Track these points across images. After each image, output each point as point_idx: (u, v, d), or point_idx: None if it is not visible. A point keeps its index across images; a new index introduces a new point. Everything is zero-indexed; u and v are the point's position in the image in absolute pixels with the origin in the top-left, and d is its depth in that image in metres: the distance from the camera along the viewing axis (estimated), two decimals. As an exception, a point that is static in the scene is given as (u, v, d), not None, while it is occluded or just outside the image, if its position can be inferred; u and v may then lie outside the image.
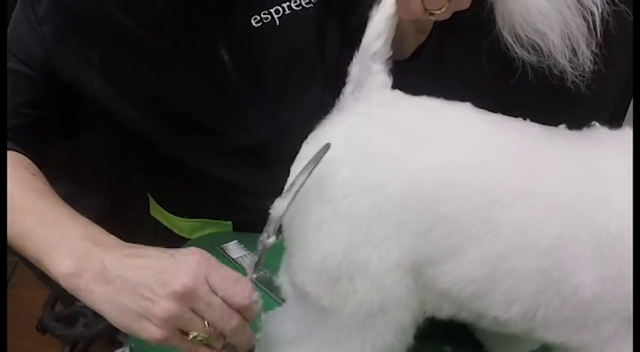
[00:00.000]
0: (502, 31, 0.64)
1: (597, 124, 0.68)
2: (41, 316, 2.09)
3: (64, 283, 0.64)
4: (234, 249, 1.05)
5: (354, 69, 0.69)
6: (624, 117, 1.49)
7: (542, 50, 0.62)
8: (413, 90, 0.70)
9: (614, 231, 0.59)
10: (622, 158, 0.63)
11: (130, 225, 2.07)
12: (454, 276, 0.62)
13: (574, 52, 0.61)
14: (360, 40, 0.69)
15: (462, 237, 0.60)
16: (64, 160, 2.02)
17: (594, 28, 0.61)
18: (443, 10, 0.64)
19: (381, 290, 0.63)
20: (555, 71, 0.62)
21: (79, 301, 2.04)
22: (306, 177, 0.62)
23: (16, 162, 0.80)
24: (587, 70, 0.62)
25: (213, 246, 1.05)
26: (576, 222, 0.60)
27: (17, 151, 0.82)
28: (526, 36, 0.62)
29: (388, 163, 0.63)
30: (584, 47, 0.61)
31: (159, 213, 1.19)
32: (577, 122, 0.70)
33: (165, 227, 1.18)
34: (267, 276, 0.95)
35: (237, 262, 1.00)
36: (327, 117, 0.70)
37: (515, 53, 0.64)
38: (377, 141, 0.65)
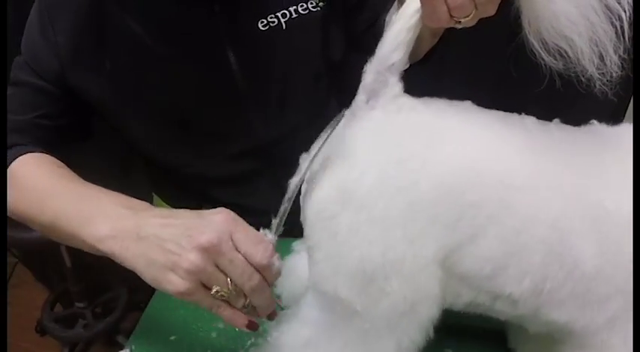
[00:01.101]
0: (528, 36, 0.61)
1: (595, 122, 0.69)
2: (40, 317, 2.06)
3: (101, 247, 0.64)
4: None
5: (368, 77, 0.65)
6: (624, 115, 1.47)
7: (569, 57, 0.59)
8: (414, 89, 0.69)
9: (610, 207, 0.60)
10: (616, 145, 0.65)
11: None
12: (475, 257, 0.62)
13: (602, 58, 0.58)
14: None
15: (484, 219, 0.60)
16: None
17: (622, 32, 0.57)
18: (469, 18, 0.61)
19: (415, 286, 0.62)
20: (582, 78, 0.59)
21: (78, 302, 2.03)
22: (326, 139, 0.64)
23: (42, 159, 0.80)
24: (614, 76, 0.59)
25: None
26: (575, 200, 0.61)
27: (40, 151, 0.82)
28: (553, 42, 0.60)
29: (416, 162, 0.61)
30: (612, 53, 0.58)
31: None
32: (577, 120, 0.70)
33: None
34: None
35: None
36: (331, 121, 0.67)
37: (542, 59, 0.61)
38: (401, 144, 0.63)
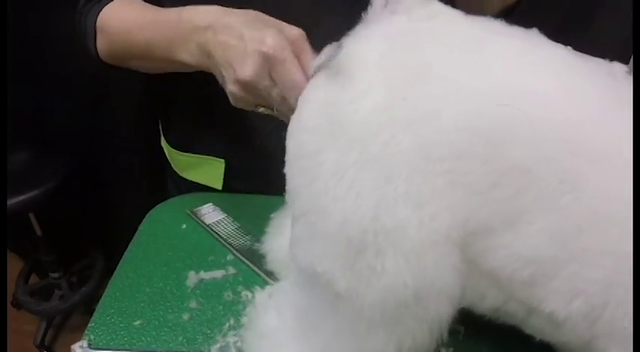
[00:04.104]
0: None
1: None
2: (15, 290, 1.95)
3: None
4: (208, 213, 0.87)
5: None
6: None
7: None
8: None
9: None
10: None
11: (103, 184, 1.95)
12: (511, 252, 0.45)
13: None
14: None
15: (533, 196, 0.43)
16: (26, 125, 1.85)
17: None
18: None
19: (419, 271, 0.45)
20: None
21: (52, 272, 1.91)
22: None
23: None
24: None
25: (184, 210, 0.90)
26: None
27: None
28: None
29: (441, 85, 0.44)
30: None
31: (164, 144, 1.09)
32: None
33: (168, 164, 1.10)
34: (248, 245, 0.78)
35: (211, 229, 0.83)
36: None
37: None
38: (426, 57, 0.46)
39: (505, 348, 0.65)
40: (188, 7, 0.70)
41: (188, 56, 0.70)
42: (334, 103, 0.46)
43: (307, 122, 0.49)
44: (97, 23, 0.84)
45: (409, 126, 0.43)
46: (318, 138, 0.47)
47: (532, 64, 0.46)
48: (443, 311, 0.48)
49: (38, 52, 1.72)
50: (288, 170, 0.51)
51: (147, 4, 0.82)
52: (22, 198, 1.69)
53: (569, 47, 0.50)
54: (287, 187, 0.51)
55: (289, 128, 0.52)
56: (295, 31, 0.62)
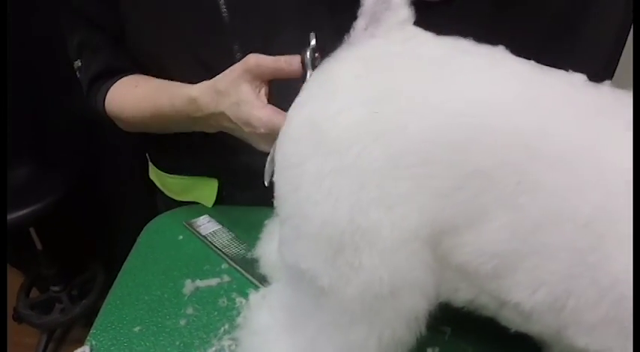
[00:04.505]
0: None
1: None
2: (16, 304, 1.96)
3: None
4: (204, 224, 0.90)
5: (369, 0, 0.56)
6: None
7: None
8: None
9: None
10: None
11: (103, 198, 1.96)
12: (475, 248, 0.49)
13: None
14: None
15: (493, 197, 0.47)
16: (26, 140, 1.86)
17: None
18: None
19: (393, 267, 0.49)
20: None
21: (53, 285, 1.91)
22: None
23: (127, 79, 0.92)
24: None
25: (180, 222, 0.93)
26: (622, 195, 0.46)
27: (118, 80, 0.92)
28: None
29: (409, 102, 0.48)
30: None
31: (154, 173, 1.10)
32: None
33: (160, 190, 1.11)
34: (242, 254, 0.81)
35: (207, 240, 0.86)
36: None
37: None
38: (396, 77, 0.50)
39: (491, 349, 0.68)
40: (180, 98, 0.78)
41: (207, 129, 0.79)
42: (315, 119, 0.51)
43: (292, 135, 0.53)
44: (109, 113, 0.92)
45: (380, 138, 0.48)
46: (302, 150, 0.51)
47: (494, 78, 0.50)
48: (418, 305, 0.52)
49: (38, 62, 1.72)
50: (277, 179, 0.55)
51: (140, 86, 0.89)
52: (22, 212, 1.71)
53: (532, 61, 0.53)
54: (275, 194, 0.55)
55: (277, 141, 0.57)
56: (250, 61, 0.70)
